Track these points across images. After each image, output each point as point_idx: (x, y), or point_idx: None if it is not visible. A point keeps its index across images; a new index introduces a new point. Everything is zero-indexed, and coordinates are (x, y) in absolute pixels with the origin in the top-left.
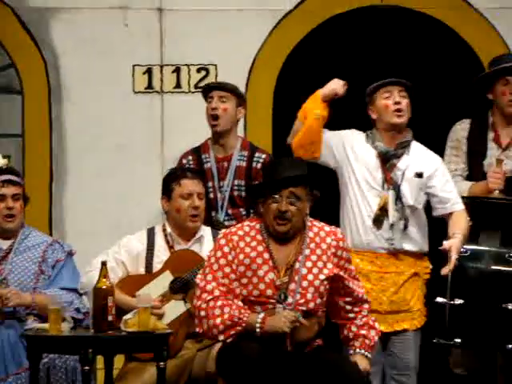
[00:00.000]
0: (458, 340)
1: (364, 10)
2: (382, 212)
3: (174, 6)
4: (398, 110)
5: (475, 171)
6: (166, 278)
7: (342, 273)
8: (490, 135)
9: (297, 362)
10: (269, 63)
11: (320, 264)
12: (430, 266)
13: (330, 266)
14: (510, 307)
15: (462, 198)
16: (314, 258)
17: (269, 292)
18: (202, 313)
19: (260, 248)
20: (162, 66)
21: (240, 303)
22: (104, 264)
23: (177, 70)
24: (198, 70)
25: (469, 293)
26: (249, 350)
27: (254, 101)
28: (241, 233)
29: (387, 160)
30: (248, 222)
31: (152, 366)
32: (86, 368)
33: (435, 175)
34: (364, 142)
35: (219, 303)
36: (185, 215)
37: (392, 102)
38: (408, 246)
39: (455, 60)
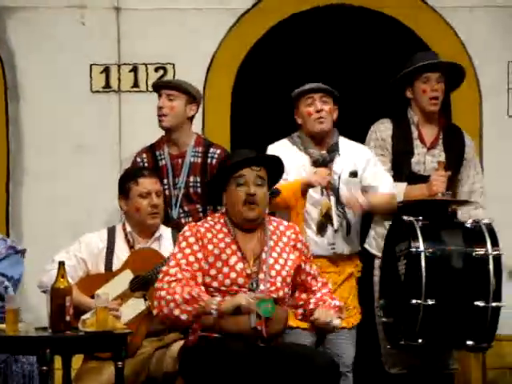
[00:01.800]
0: (421, 340)
1: (322, 9)
2: (326, 219)
3: (132, 4)
4: (320, 117)
5: (404, 170)
6: (127, 277)
7: (302, 264)
8: (415, 134)
9: (268, 357)
10: (227, 62)
11: (284, 255)
12: (361, 265)
13: (292, 257)
14: (480, 305)
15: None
16: (277, 249)
17: (240, 281)
18: (163, 293)
19: (227, 239)
20: (119, 65)
21: (202, 288)
22: (62, 264)
23: (134, 69)
24: (156, 69)
25: (440, 293)
26: (215, 348)
27: (212, 99)
28: (207, 225)
29: (323, 166)
30: (211, 217)
31: (110, 365)
32: (44, 368)
33: (367, 168)
34: (293, 152)
35: (181, 283)
36: (144, 214)
37: (314, 110)
38: (347, 249)
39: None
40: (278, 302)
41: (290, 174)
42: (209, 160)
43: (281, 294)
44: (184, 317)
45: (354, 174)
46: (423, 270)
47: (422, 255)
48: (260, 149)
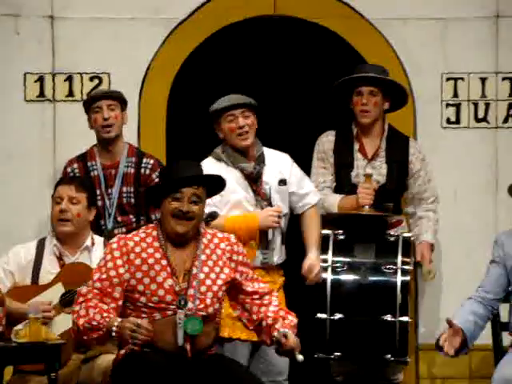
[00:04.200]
0: (338, 353)
1: (258, 19)
2: (261, 230)
3: (66, 13)
4: (243, 133)
5: (343, 183)
6: (58, 291)
7: (238, 276)
8: (356, 146)
9: (196, 370)
10: (162, 72)
11: (217, 269)
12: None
13: (226, 270)
14: (388, 319)
15: (334, 214)
16: (210, 263)
17: (168, 298)
18: (74, 316)
19: (157, 255)
20: (54, 75)
21: (105, 306)
22: None
23: (69, 79)
24: (91, 79)
25: (348, 306)
26: (147, 361)
27: (147, 109)
28: (137, 239)
29: (257, 178)
30: (144, 228)
31: (35, 378)
32: None
33: (291, 175)
34: (222, 168)
35: (89, 304)
36: (54, 220)
37: (236, 126)
38: (277, 260)
39: (347, 70)
40: (208, 318)
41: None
42: (142, 170)
43: (210, 310)
44: (93, 342)
45: (283, 182)
46: (329, 283)
47: (329, 269)
48: (195, 159)
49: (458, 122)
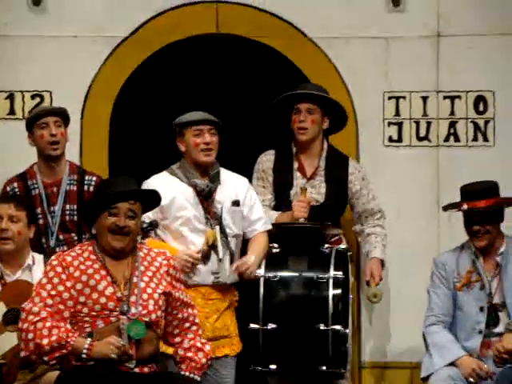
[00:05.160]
0: (274, 366)
1: (200, 38)
2: (211, 248)
3: (8, 31)
4: (208, 150)
5: (282, 202)
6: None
7: (173, 291)
8: (295, 165)
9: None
10: (105, 90)
11: (155, 280)
12: (237, 294)
13: (164, 283)
14: (321, 328)
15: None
16: (149, 273)
17: (111, 305)
18: (30, 335)
19: (96, 265)
20: None
21: (68, 326)
22: None
23: (10, 96)
24: (33, 97)
25: (281, 317)
26: (87, 376)
27: (89, 128)
28: (73, 254)
29: (209, 195)
30: (79, 246)
31: None
32: None
33: (245, 198)
34: (173, 183)
35: (48, 324)
36: None
37: (202, 141)
38: (230, 279)
39: (290, 89)
40: (151, 324)
41: (173, 205)
42: (85, 187)
43: (153, 317)
44: (53, 362)
45: (236, 203)
46: (261, 294)
47: (261, 280)
48: (138, 176)
49: (400, 140)
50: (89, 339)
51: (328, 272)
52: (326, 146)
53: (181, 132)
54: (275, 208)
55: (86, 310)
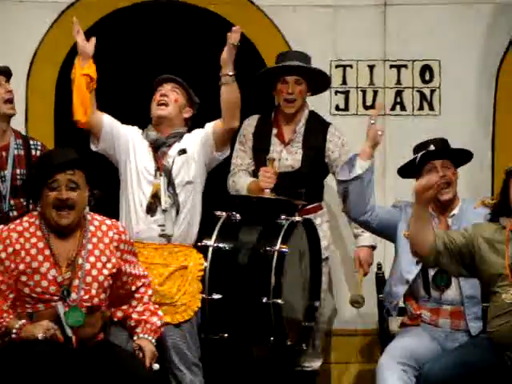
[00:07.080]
0: (224, 334)
1: (148, 4)
2: (155, 199)
3: None
4: (162, 104)
5: (260, 167)
6: None
7: (124, 266)
8: (274, 131)
9: (81, 358)
10: (50, 56)
11: (104, 258)
12: (204, 263)
13: (113, 260)
14: (264, 300)
15: (232, 196)
16: (97, 252)
17: (52, 289)
18: None
19: (40, 244)
20: None
21: (5, 307)
22: None
23: None
24: None
25: (226, 287)
26: (28, 350)
27: (35, 95)
28: (20, 228)
29: (158, 148)
30: (27, 217)
31: None
32: None
33: (196, 135)
34: (140, 136)
35: None
36: None
37: (158, 95)
38: (177, 234)
39: (239, 58)
40: (93, 308)
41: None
42: (33, 152)
43: (95, 301)
44: None
45: (182, 151)
46: (208, 264)
47: (210, 250)
48: (85, 143)
49: (346, 109)
50: (22, 320)
51: (275, 245)
52: (306, 112)
53: (156, 87)
54: (255, 173)
55: (27, 290)
